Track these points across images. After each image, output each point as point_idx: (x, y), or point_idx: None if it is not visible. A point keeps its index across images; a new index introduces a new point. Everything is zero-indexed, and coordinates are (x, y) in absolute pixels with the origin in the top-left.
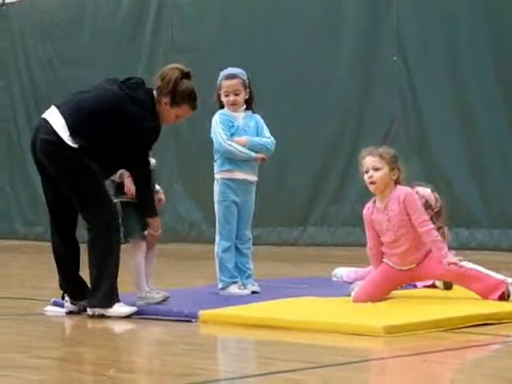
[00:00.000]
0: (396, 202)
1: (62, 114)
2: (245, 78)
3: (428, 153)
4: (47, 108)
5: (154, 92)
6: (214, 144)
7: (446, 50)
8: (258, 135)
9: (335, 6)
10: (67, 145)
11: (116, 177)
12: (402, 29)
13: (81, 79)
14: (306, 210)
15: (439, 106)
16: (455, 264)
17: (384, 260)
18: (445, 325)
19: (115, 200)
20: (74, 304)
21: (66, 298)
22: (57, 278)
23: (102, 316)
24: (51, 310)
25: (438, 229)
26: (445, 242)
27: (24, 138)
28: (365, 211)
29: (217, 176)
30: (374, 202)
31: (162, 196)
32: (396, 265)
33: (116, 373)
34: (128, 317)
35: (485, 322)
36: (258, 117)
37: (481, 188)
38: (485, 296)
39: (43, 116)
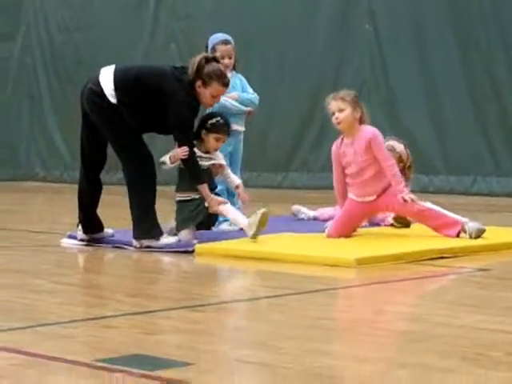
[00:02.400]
0: (363, 139)
1: (114, 71)
2: (233, 43)
3: (394, 110)
4: (63, 67)
5: None
6: None
7: (411, 21)
8: (243, 91)
9: None
10: (107, 98)
11: (168, 161)
12: (373, 1)
13: (93, 42)
14: (288, 158)
15: (405, 70)
16: (409, 200)
17: (348, 196)
18: (407, 257)
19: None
20: (86, 234)
21: (80, 227)
22: (71, 214)
23: (148, 247)
24: (66, 242)
25: (407, 179)
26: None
27: (44, 93)
28: (334, 147)
29: None
30: (342, 138)
31: (240, 191)
32: (358, 196)
33: (122, 296)
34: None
35: (442, 255)
36: (240, 76)
37: (439, 140)
38: (441, 232)
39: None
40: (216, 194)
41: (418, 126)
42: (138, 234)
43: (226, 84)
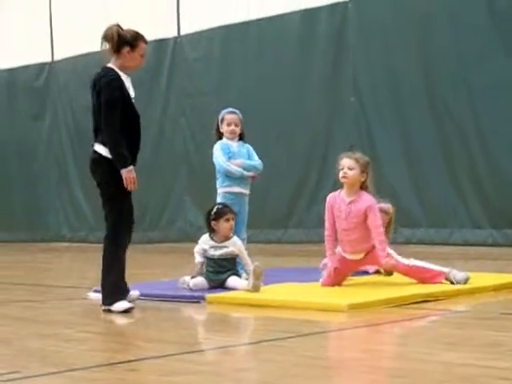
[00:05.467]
0: (362, 203)
1: (100, 142)
2: (240, 115)
3: (378, 171)
4: (87, 141)
5: (110, 64)
6: (216, 166)
7: (391, 93)
8: (249, 159)
9: (307, 59)
10: (103, 157)
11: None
12: (357, 76)
13: None
14: (287, 216)
15: (386, 134)
16: (392, 265)
17: (340, 252)
18: (394, 302)
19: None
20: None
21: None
22: (95, 270)
23: (109, 311)
24: (92, 295)
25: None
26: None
27: (69, 164)
28: (330, 198)
29: (219, 190)
30: (340, 193)
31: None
32: (347, 253)
33: (142, 342)
34: (127, 311)
35: (424, 299)
36: (248, 145)
37: (420, 197)
38: (427, 283)
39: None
40: (235, 274)
41: (400, 184)
42: (102, 300)
43: (146, 41)
